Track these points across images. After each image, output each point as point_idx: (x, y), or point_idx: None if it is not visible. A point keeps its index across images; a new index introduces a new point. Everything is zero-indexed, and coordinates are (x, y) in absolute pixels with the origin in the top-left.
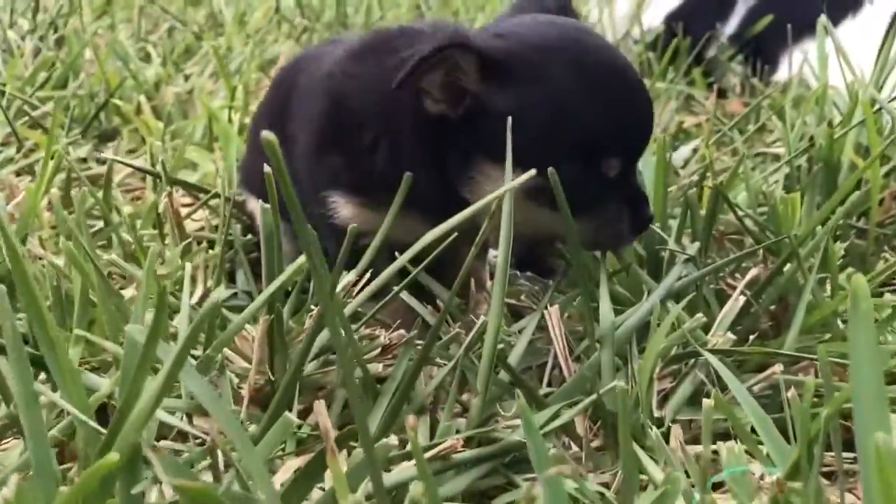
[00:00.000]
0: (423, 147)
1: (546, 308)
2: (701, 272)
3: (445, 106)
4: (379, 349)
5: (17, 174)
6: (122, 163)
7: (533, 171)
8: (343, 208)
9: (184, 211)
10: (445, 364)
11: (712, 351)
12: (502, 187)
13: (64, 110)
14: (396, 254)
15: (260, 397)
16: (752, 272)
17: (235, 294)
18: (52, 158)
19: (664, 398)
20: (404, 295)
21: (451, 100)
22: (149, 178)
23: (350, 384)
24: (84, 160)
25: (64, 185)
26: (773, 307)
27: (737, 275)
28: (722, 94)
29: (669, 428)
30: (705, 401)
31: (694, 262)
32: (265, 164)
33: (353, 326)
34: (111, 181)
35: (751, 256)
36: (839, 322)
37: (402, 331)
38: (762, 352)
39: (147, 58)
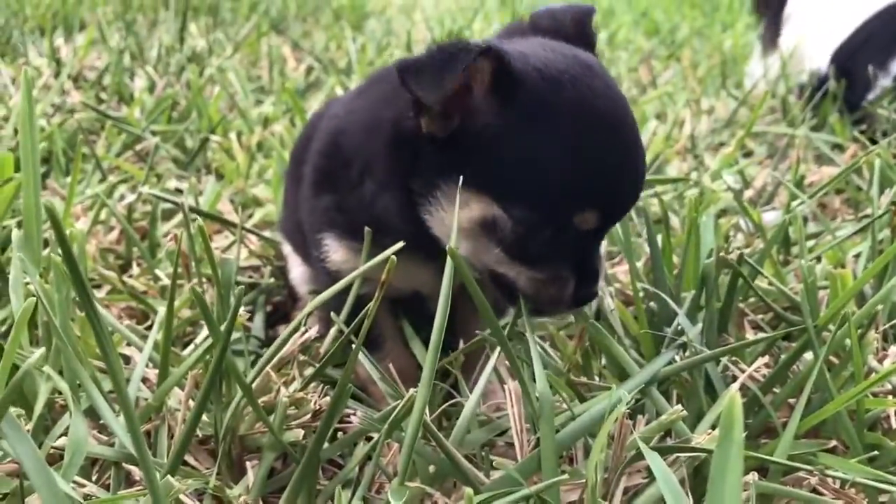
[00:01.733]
0: (395, 172)
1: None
2: (690, 360)
3: (436, 124)
4: (309, 415)
5: (91, 207)
6: (156, 196)
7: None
8: (335, 252)
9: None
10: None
11: (679, 449)
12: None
13: (177, 143)
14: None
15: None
16: (760, 361)
17: (249, 337)
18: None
19: (635, 494)
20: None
21: (448, 113)
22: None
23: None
24: (179, 191)
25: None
26: (792, 400)
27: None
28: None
29: None
30: None
31: (686, 347)
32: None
33: (294, 387)
34: (156, 219)
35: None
36: (849, 424)
37: (328, 397)
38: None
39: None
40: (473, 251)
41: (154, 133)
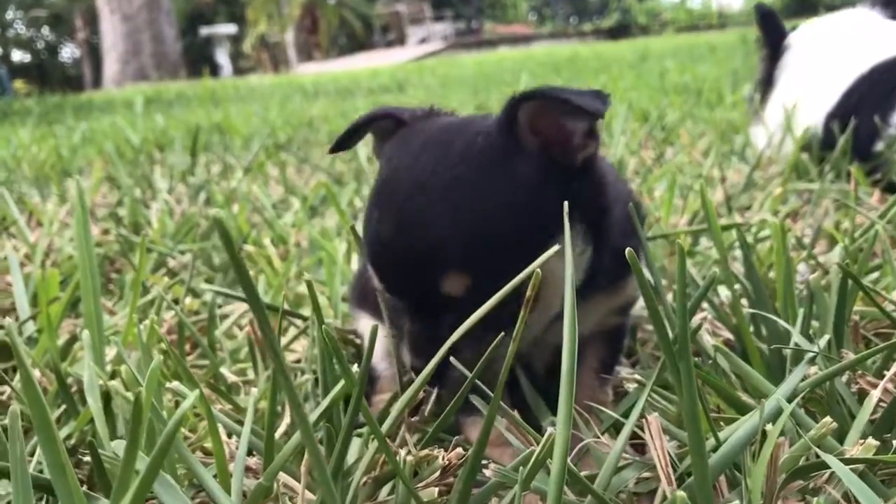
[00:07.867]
0: None
1: (644, 417)
2: (829, 371)
3: None
4: (438, 471)
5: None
6: (219, 292)
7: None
8: (359, 322)
9: (283, 341)
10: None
11: (844, 461)
12: None
13: (204, 261)
14: None
15: None
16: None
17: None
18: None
19: None
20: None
21: None
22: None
23: None
24: (220, 305)
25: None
26: None
27: (885, 371)
28: (893, 189)
29: None
30: None
31: (818, 360)
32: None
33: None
34: (215, 318)
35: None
36: None
37: (459, 449)
38: None
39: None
40: None
41: (182, 252)
